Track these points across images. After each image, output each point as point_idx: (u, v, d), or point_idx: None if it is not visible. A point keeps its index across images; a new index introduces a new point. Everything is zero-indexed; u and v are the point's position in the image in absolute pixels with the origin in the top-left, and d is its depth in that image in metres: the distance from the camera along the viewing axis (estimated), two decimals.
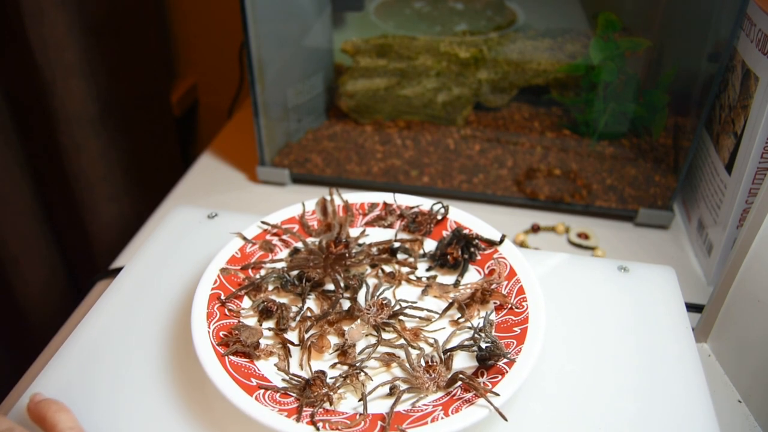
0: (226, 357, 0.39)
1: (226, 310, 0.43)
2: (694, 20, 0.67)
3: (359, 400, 0.37)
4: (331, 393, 0.37)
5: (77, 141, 0.80)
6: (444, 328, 0.43)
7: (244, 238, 0.48)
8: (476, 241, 0.48)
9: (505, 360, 0.38)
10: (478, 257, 0.47)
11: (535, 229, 0.71)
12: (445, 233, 0.50)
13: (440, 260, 0.48)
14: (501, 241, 0.47)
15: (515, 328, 0.41)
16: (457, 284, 0.46)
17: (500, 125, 0.75)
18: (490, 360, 0.38)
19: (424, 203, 0.51)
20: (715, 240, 0.65)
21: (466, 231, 0.49)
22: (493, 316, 0.43)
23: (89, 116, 0.80)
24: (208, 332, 0.40)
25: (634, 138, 0.73)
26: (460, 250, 0.47)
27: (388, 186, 0.77)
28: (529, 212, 0.75)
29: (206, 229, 0.54)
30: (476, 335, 0.41)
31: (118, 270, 0.66)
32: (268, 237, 0.49)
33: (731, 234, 0.62)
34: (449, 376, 0.38)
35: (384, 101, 0.75)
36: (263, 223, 0.49)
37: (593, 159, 0.73)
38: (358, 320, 0.43)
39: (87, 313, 0.46)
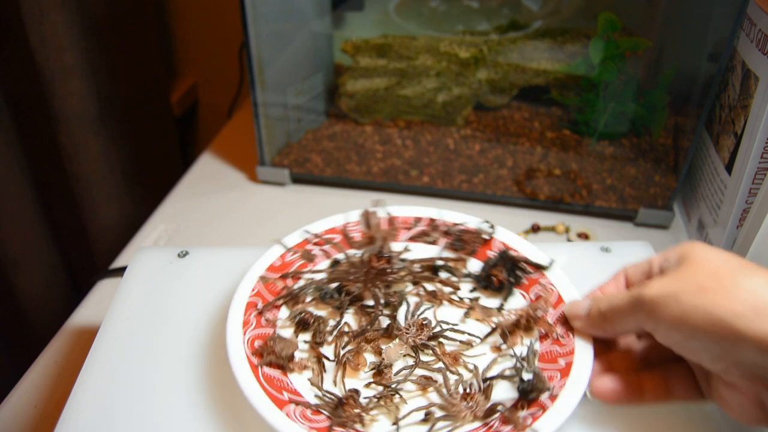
0: (260, 368, 0.37)
1: (263, 320, 0.41)
2: (694, 20, 0.67)
3: (393, 424, 0.36)
4: (364, 414, 0.36)
5: (77, 141, 0.80)
6: (485, 354, 0.41)
7: (285, 246, 0.46)
8: (523, 264, 0.45)
9: (549, 393, 0.36)
10: (524, 281, 0.45)
11: (535, 229, 0.71)
12: (490, 254, 0.47)
13: (484, 282, 0.45)
14: (549, 266, 0.45)
15: (560, 360, 0.38)
16: (501, 308, 0.44)
17: (500, 125, 0.75)
18: (532, 393, 0.36)
19: (470, 221, 0.49)
20: (715, 240, 0.65)
21: (513, 253, 0.46)
22: (537, 346, 0.40)
23: (89, 116, 0.80)
24: (243, 340, 0.38)
25: (634, 138, 0.73)
26: (505, 272, 0.45)
27: (388, 186, 0.77)
28: (529, 212, 0.75)
29: (180, 269, 0.48)
30: (518, 365, 0.38)
31: (118, 270, 0.66)
32: (308, 246, 0.47)
33: (731, 234, 0.62)
34: (488, 406, 0.36)
35: (384, 101, 0.75)
36: (306, 231, 0.48)
37: (593, 159, 0.73)
38: (397, 339, 0.41)
39: (74, 386, 0.40)
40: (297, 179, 0.79)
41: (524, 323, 0.41)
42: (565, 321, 0.40)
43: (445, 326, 0.42)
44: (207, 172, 0.83)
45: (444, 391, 0.37)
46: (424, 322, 0.42)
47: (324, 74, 0.78)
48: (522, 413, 0.35)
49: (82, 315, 0.62)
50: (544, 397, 0.35)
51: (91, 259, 0.89)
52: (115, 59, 0.83)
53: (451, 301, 0.45)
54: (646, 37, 0.68)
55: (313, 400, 0.37)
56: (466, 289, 0.46)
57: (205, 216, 0.75)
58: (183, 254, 0.50)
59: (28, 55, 0.73)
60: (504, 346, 0.41)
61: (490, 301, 0.45)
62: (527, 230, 0.71)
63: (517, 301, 0.44)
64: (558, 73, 0.71)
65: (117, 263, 0.69)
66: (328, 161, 0.78)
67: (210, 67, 1.11)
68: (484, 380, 0.38)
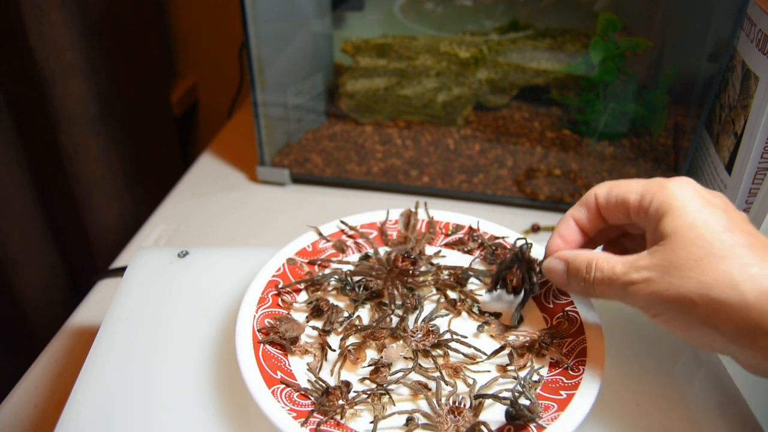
0: (262, 344, 0.38)
1: (279, 300, 0.43)
2: (694, 20, 0.67)
3: (370, 422, 0.36)
4: (347, 407, 0.36)
5: (77, 141, 0.80)
6: (489, 371, 0.40)
7: (320, 234, 0.47)
8: (537, 266, 0.42)
9: (536, 423, 0.34)
10: (541, 289, 0.43)
11: (535, 229, 0.71)
12: (508, 256, 0.45)
13: (499, 284, 0.44)
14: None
15: (562, 392, 0.36)
16: (521, 321, 0.43)
17: (500, 125, 0.75)
18: (518, 420, 0.34)
19: (511, 235, 0.48)
20: None
21: (531, 256, 0.43)
22: (544, 372, 0.39)
23: (89, 116, 0.80)
24: (254, 316, 0.40)
25: (634, 138, 0.73)
26: (521, 276, 0.43)
27: (388, 186, 0.77)
28: (529, 212, 0.75)
29: (180, 269, 0.48)
30: (517, 388, 0.37)
31: (118, 270, 0.66)
32: (343, 237, 0.48)
33: None
34: (472, 424, 0.35)
35: (384, 101, 0.75)
36: (342, 222, 0.49)
37: (593, 159, 0.73)
38: (401, 341, 0.41)
39: (73, 386, 0.40)
40: (297, 179, 0.79)
41: (536, 347, 0.40)
42: (580, 353, 0.38)
43: (452, 336, 0.41)
44: (207, 172, 0.83)
45: (433, 400, 0.37)
46: (431, 329, 0.41)
47: (324, 74, 0.78)
48: None
49: (82, 315, 0.62)
50: (532, 426, 0.34)
51: (91, 259, 0.89)
52: (115, 59, 0.83)
53: (470, 312, 0.44)
54: (646, 37, 0.68)
55: (305, 385, 0.37)
56: (481, 292, 0.45)
57: (205, 216, 0.75)
58: (183, 254, 0.50)
59: (28, 55, 0.73)
60: (511, 367, 0.40)
61: (502, 304, 0.44)
62: (527, 230, 0.71)
63: (539, 324, 0.43)
64: (558, 73, 0.71)
65: (117, 263, 0.69)
66: (328, 161, 0.78)
67: (210, 67, 1.11)
68: (476, 397, 0.37)
